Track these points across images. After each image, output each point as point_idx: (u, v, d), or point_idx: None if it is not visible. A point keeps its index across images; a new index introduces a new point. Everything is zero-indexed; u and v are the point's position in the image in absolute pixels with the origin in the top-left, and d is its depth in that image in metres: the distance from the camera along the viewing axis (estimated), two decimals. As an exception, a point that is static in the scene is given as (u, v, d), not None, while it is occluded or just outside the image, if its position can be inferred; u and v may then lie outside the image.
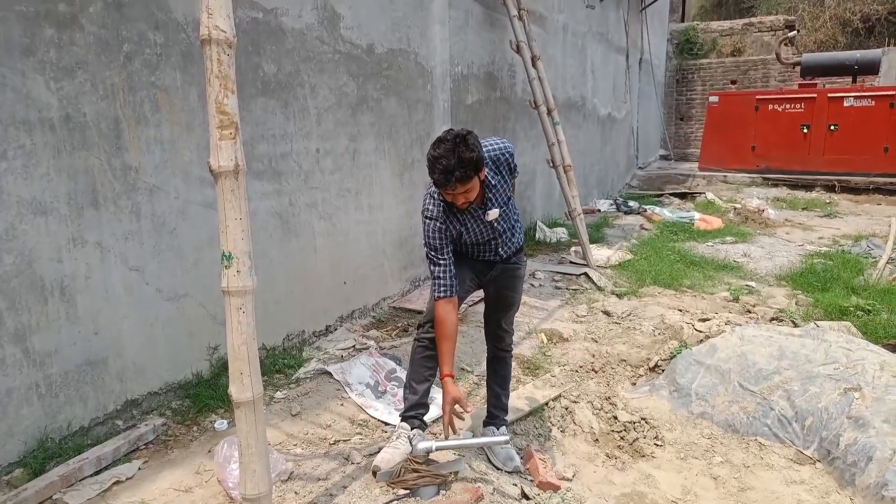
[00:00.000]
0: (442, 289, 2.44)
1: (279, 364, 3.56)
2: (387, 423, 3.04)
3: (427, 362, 2.62)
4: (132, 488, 2.46)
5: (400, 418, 2.69)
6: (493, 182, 2.50)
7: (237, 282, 1.78)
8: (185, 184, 3.02)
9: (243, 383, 1.82)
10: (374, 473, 2.46)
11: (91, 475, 2.49)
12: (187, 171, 3.02)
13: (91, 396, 2.75)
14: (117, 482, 2.47)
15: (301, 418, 3.05)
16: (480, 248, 2.64)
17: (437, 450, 2.44)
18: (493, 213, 2.53)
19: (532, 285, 5.56)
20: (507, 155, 2.56)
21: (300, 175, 3.70)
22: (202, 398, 3.08)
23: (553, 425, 3.23)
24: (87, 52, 2.57)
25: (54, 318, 2.57)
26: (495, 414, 2.86)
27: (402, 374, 3.52)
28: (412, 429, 2.59)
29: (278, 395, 3.28)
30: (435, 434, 2.84)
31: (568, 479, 2.78)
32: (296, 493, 2.42)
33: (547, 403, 3.36)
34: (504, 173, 2.56)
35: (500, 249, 2.65)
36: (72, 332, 2.64)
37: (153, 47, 2.81)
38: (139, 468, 2.58)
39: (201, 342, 3.22)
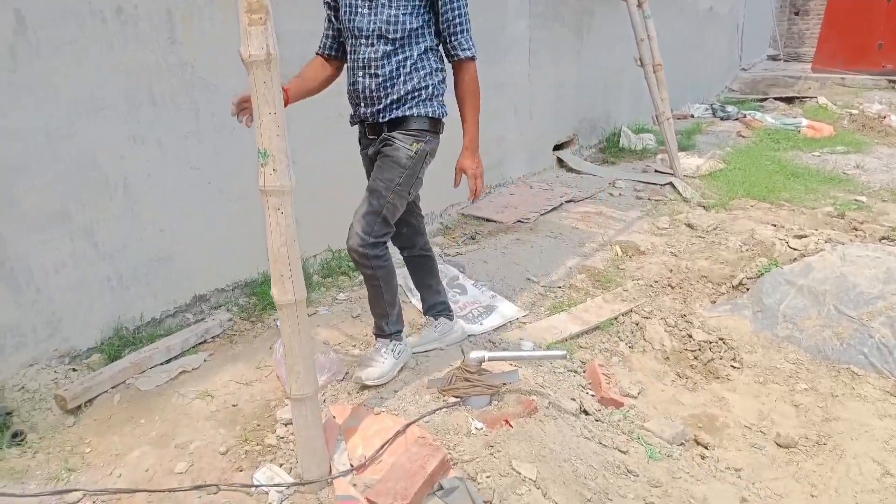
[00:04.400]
0: (318, 46, 2.36)
1: (344, 266, 3.56)
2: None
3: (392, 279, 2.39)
4: (197, 378, 2.56)
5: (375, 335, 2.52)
6: None
7: (274, 181, 1.68)
8: (242, 83, 2.93)
9: (284, 286, 1.77)
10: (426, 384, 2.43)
11: (161, 363, 2.61)
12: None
13: (161, 290, 2.84)
14: (184, 371, 2.58)
15: (361, 320, 3.05)
16: (352, 76, 2.20)
17: (489, 360, 2.36)
18: None
19: (611, 195, 5.25)
20: None
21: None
22: (266, 296, 3.13)
23: (621, 340, 3.08)
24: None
25: (119, 215, 2.62)
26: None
27: (465, 281, 3.44)
28: (392, 342, 2.48)
29: (341, 296, 3.30)
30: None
31: (632, 397, 2.66)
32: (348, 393, 2.44)
33: (616, 318, 3.20)
34: None
35: (369, 82, 2.14)
36: (137, 228, 2.69)
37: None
38: (205, 360, 2.68)
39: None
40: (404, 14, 2.09)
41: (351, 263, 3.60)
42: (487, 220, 4.47)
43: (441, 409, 2.28)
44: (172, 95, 2.70)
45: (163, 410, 2.36)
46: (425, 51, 2.17)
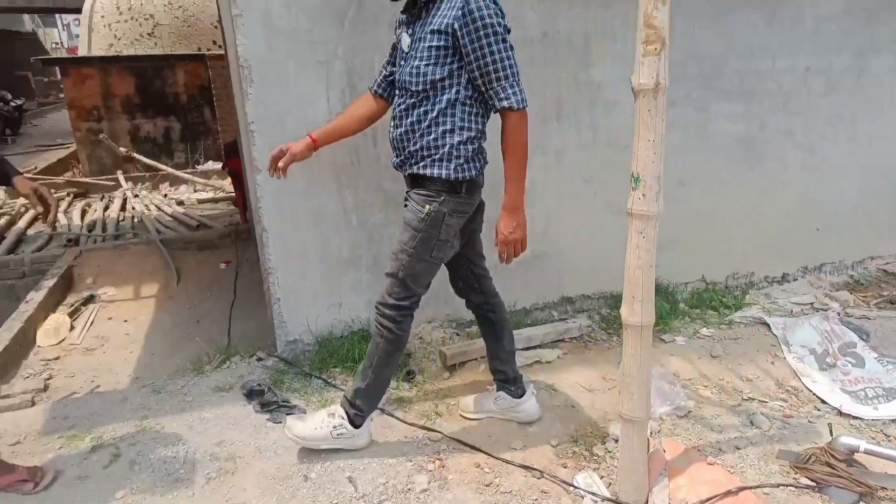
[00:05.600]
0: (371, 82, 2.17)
1: (714, 301, 3.36)
2: (824, 401, 2.57)
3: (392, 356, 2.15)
4: (548, 372, 2.79)
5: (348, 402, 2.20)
6: (434, 22, 1.86)
7: (641, 205, 1.73)
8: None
9: (633, 308, 1.81)
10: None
11: (521, 349, 2.92)
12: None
13: (534, 285, 3.17)
14: (538, 362, 2.84)
15: (720, 362, 2.85)
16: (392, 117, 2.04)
17: (865, 452, 1.95)
18: (406, 41, 1.96)
19: None
20: (479, 16, 1.78)
21: (778, 96, 3.21)
22: (627, 312, 3.18)
23: None
24: (571, -29, 2.74)
25: (515, 213, 3.01)
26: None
27: (866, 352, 2.86)
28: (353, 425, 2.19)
29: (704, 331, 3.13)
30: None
31: None
32: (686, 430, 2.33)
33: None
34: (453, 41, 1.84)
35: (394, 133, 2.02)
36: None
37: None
38: (558, 357, 2.90)
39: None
40: (426, 65, 1.90)
41: (724, 299, 3.38)
42: (920, 281, 3.60)
43: (789, 486, 2.00)
44: (577, 111, 2.95)
45: (513, 390, 2.66)
46: (451, 105, 1.92)
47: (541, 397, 2.60)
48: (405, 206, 2.09)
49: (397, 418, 2.45)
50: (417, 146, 1.96)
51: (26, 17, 21.94)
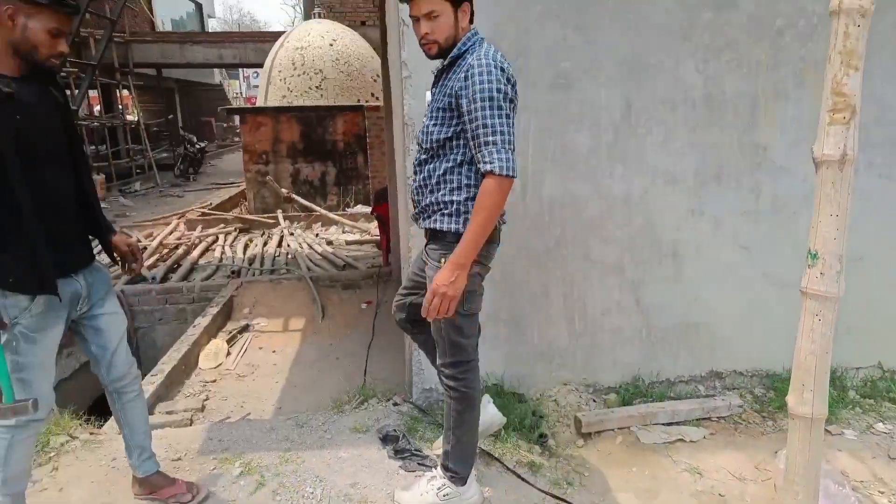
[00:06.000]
0: None
1: (893, 392, 2.95)
2: None
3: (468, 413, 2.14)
4: (692, 451, 2.58)
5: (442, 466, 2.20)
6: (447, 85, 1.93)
7: (818, 285, 1.57)
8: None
9: (803, 397, 1.63)
10: None
11: (663, 423, 2.74)
12: (823, 152, 2.76)
13: (681, 355, 2.98)
14: (681, 440, 2.64)
15: (901, 465, 2.48)
16: None
17: None
18: (427, 98, 2.06)
19: None
20: (478, 80, 1.81)
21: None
22: (785, 394, 2.87)
23: None
24: (739, 32, 2.63)
25: (663, 278, 2.87)
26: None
27: None
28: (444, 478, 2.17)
29: (879, 426, 2.74)
30: None
31: None
32: (859, 543, 2.04)
33: None
34: (455, 107, 1.89)
35: (412, 186, 2.10)
36: (675, 292, 2.90)
37: (808, 17, 2.63)
38: (704, 437, 2.67)
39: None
40: (434, 124, 1.96)
41: (905, 390, 2.97)
42: None
43: None
44: (738, 175, 2.79)
45: (654, 468, 2.49)
46: (457, 164, 1.94)
47: (683, 479, 2.40)
48: (426, 263, 2.07)
49: (529, 483, 2.38)
50: (429, 201, 2.01)
51: (216, 70, 25.07)
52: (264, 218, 9.28)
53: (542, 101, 2.63)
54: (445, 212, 1.97)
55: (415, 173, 2.07)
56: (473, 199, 1.91)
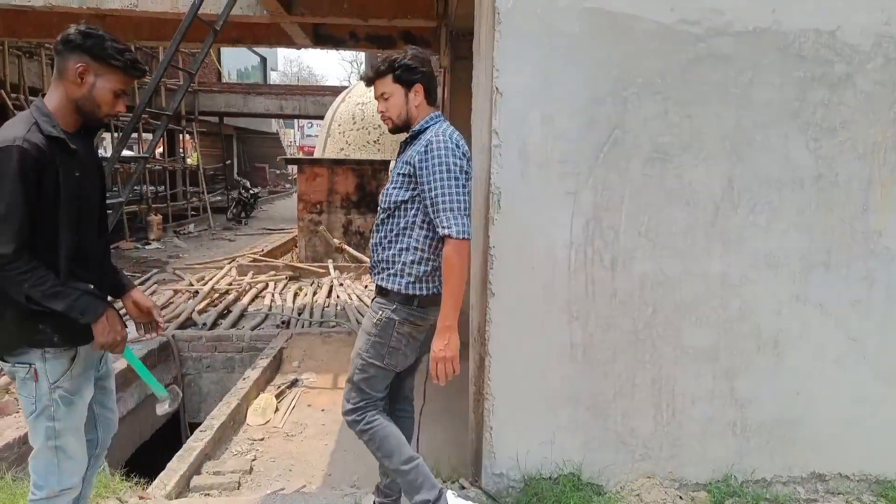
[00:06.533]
0: None
1: None
2: None
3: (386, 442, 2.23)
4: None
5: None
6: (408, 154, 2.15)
7: None
8: (938, 255, 2.55)
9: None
10: None
11: (763, 534, 2.46)
12: (945, 241, 2.54)
13: (778, 452, 2.71)
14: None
15: None
16: None
17: None
18: (391, 165, 2.19)
19: None
20: (436, 153, 2.04)
21: None
22: (901, 507, 2.58)
23: None
24: (854, 111, 2.47)
25: (762, 368, 2.64)
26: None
27: None
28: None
29: None
30: None
31: None
32: None
33: None
34: (413, 174, 2.09)
35: (371, 242, 2.27)
36: (774, 384, 2.66)
37: (934, 98, 2.46)
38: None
39: (916, 443, 2.69)
40: (394, 188, 2.15)
41: None
42: None
43: None
44: (848, 262, 2.57)
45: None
46: (409, 226, 2.12)
47: None
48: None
49: None
50: (380, 258, 2.18)
51: (273, 120, 26.01)
52: (315, 267, 9.29)
53: (637, 174, 2.50)
54: (391, 271, 2.15)
55: (374, 231, 2.26)
56: (419, 262, 2.11)
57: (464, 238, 2.00)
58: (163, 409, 2.22)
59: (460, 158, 2.06)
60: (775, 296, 2.61)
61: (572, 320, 2.58)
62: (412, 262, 2.10)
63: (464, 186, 2.04)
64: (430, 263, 2.11)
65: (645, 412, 2.67)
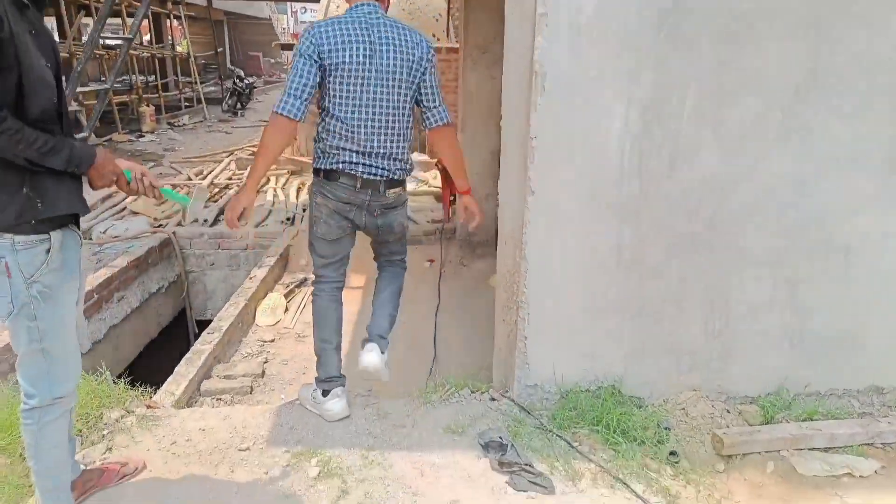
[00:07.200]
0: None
1: None
2: None
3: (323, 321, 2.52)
4: (864, 491, 2.12)
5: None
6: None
7: None
8: None
9: None
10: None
11: (820, 449, 2.28)
12: None
13: (835, 365, 2.49)
14: (849, 475, 2.18)
15: None
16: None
17: None
18: None
19: None
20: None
21: None
22: (968, 424, 2.39)
23: None
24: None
25: (830, 276, 2.37)
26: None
27: None
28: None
29: None
30: None
31: None
32: None
33: None
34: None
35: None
36: (842, 293, 2.39)
37: None
38: (875, 471, 2.21)
39: None
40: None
41: None
42: None
43: None
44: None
45: (817, 505, 2.05)
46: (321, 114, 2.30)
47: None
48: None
49: (668, 519, 1.97)
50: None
51: (265, 4, 24.36)
52: (317, 161, 8.86)
53: (707, 51, 2.09)
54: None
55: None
56: (316, 141, 2.32)
57: (276, 112, 2.13)
58: (197, 208, 2.12)
59: (307, 43, 2.15)
60: (853, 198, 2.28)
61: (622, 221, 2.26)
62: (315, 141, 2.34)
63: (299, 67, 2.15)
64: (323, 143, 2.29)
65: (695, 321, 2.42)
